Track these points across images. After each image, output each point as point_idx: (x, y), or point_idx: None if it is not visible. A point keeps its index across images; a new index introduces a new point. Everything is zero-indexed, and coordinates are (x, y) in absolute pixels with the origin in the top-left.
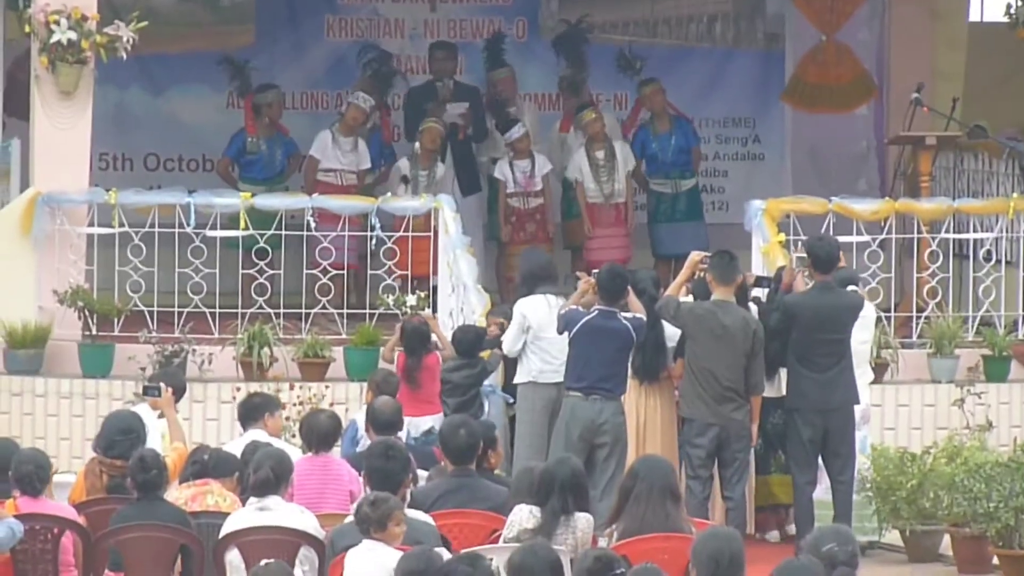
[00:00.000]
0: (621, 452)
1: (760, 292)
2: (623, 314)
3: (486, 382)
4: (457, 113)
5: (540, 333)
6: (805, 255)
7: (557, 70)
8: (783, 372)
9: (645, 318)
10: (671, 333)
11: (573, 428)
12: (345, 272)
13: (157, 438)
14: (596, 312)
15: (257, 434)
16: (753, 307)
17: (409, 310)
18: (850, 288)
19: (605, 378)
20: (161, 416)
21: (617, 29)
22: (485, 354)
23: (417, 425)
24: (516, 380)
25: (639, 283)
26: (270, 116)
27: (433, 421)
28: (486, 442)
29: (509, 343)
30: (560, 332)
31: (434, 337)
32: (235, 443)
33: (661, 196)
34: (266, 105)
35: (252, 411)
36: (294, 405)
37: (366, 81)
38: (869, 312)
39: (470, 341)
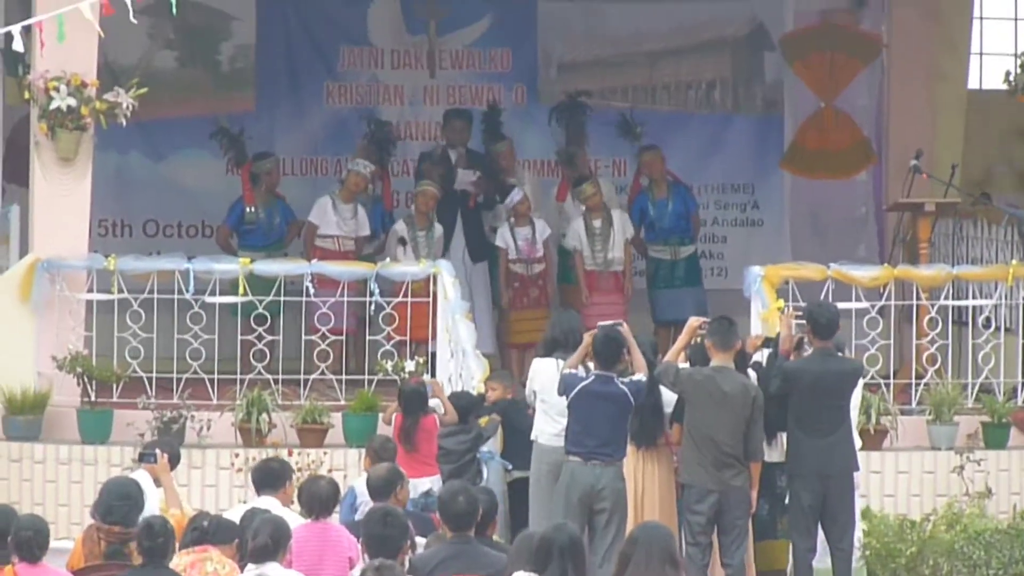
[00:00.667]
0: (621, 518)
1: (761, 356)
2: (621, 379)
3: (484, 448)
4: (468, 181)
5: (545, 395)
6: (804, 321)
7: (555, 138)
8: (782, 436)
9: (645, 378)
10: (668, 398)
11: (572, 493)
12: (344, 338)
13: (156, 504)
14: (593, 377)
15: (270, 502)
16: (752, 373)
17: (408, 376)
18: (852, 358)
19: (604, 443)
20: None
21: (616, 95)
22: (483, 420)
23: (415, 486)
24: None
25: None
26: (267, 184)
27: (431, 483)
28: (485, 508)
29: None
30: (560, 395)
31: (435, 402)
32: (237, 511)
33: (660, 262)
34: (264, 173)
35: (271, 478)
36: (293, 472)
37: (365, 147)
38: None
39: (465, 407)
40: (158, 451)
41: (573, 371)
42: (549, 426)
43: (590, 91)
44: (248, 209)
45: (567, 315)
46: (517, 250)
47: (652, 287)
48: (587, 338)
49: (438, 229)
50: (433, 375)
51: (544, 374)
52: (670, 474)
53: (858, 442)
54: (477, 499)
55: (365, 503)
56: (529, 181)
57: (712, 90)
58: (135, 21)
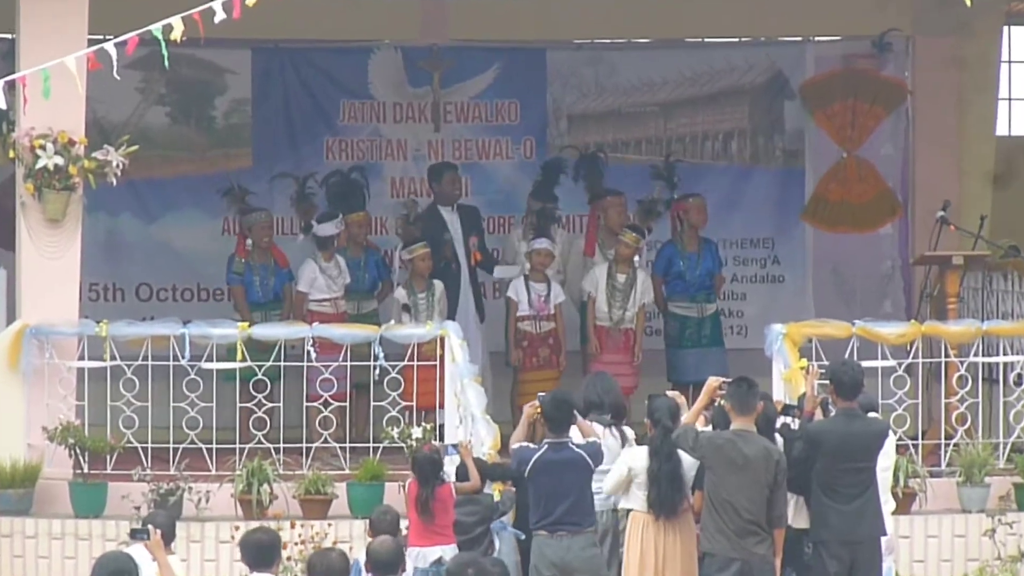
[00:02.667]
0: None
1: (789, 420)
2: (575, 442)
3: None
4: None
5: None
6: (827, 381)
7: (568, 189)
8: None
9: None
10: (689, 463)
11: (542, 569)
12: (348, 404)
13: None
14: (546, 446)
15: None
16: (779, 437)
17: (415, 443)
18: (871, 414)
19: (569, 511)
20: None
21: (629, 148)
22: (496, 488)
23: (425, 556)
24: None
25: (655, 412)
26: (255, 239)
27: (442, 551)
28: None
29: None
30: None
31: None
32: None
33: (686, 320)
34: (249, 228)
35: (265, 554)
36: (295, 544)
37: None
38: (890, 438)
39: (496, 476)
40: (150, 527)
41: (524, 444)
42: None
43: (603, 136)
44: (237, 260)
45: (601, 376)
46: (529, 304)
47: (675, 346)
48: (528, 409)
49: (438, 287)
50: (442, 440)
51: (577, 437)
52: (692, 543)
53: (892, 504)
54: (488, 571)
55: None
56: (560, 238)
57: (730, 141)
58: (118, 77)
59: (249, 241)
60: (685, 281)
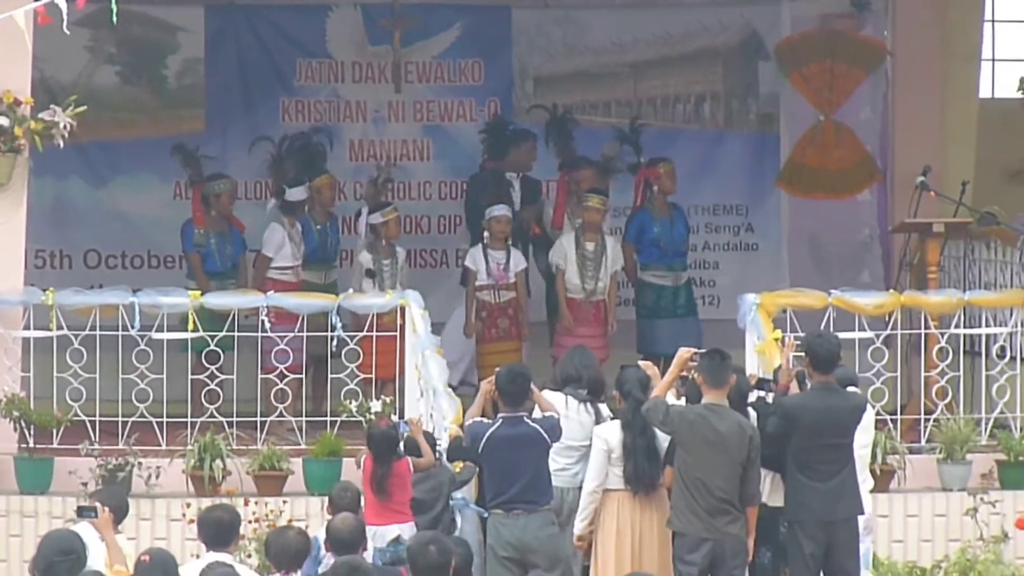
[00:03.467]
0: (565, 570)
1: (763, 394)
2: (531, 417)
3: (457, 495)
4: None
5: None
6: (803, 353)
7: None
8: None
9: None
10: (663, 436)
11: (498, 549)
12: (304, 376)
13: (101, 559)
14: (500, 421)
15: (223, 557)
16: (752, 412)
17: (374, 416)
18: (850, 389)
19: (526, 490)
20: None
21: (598, 110)
22: (457, 466)
23: (383, 535)
24: None
25: (624, 384)
26: (219, 208)
27: (400, 530)
28: (459, 561)
29: None
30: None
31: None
32: (192, 566)
33: (662, 289)
34: (215, 196)
35: (223, 533)
36: (250, 522)
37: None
38: (868, 413)
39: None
40: (98, 505)
41: (477, 419)
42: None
43: (570, 99)
44: (198, 231)
45: (581, 350)
46: (488, 273)
47: (649, 316)
48: (485, 384)
49: (401, 254)
50: (401, 416)
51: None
52: (665, 519)
53: (870, 482)
54: (450, 550)
55: (328, 555)
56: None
57: (702, 104)
58: (68, 32)
59: (213, 211)
60: (660, 248)
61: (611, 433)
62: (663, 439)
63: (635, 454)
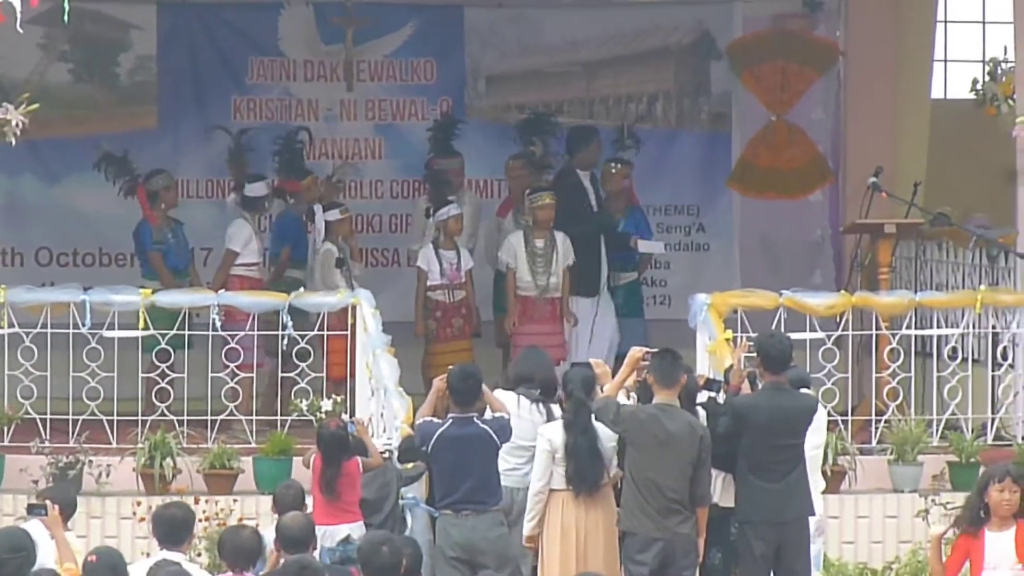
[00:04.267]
0: (514, 571)
1: (714, 394)
2: (481, 418)
3: (409, 493)
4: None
5: None
6: (754, 354)
7: (487, 153)
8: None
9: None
10: (607, 436)
11: (446, 550)
12: (254, 374)
13: (51, 557)
14: (451, 421)
15: (177, 558)
16: (701, 411)
17: (324, 416)
18: (803, 391)
19: (474, 490)
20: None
21: (551, 109)
22: (408, 467)
23: (332, 535)
24: None
25: (568, 383)
26: (166, 202)
27: (350, 529)
28: (409, 561)
29: None
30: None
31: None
32: (141, 565)
33: None
34: (162, 190)
35: (177, 530)
36: (200, 521)
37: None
38: (821, 415)
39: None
40: (48, 503)
41: (427, 419)
42: (500, 463)
43: (523, 98)
44: (155, 228)
45: (535, 351)
46: (441, 273)
47: None
48: (438, 383)
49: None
50: (352, 415)
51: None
52: (613, 521)
53: (821, 484)
54: (401, 550)
55: (272, 554)
56: (470, 200)
57: (654, 104)
58: (21, 30)
59: (162, 206)
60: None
61: (554, 433)
62: (607, 439)
63: (577, 454)
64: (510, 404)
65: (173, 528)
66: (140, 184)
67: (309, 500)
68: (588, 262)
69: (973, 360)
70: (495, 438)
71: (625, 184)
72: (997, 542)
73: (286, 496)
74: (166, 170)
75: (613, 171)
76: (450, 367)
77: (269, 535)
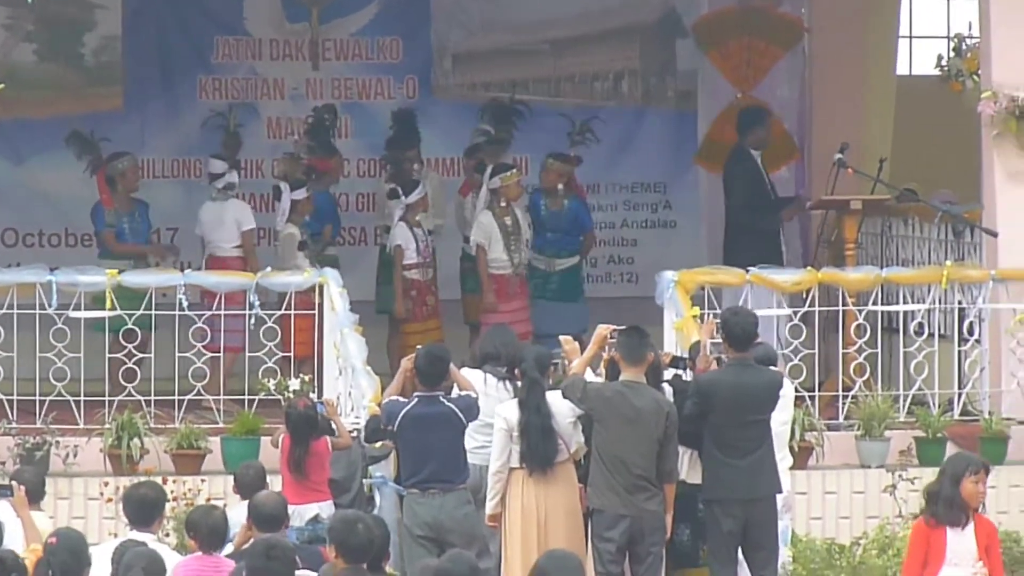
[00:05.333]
0: (481, 549)
1: (680, 371)
2: (447, 396)
3: (377, 472)
4: None
5: None
6: (720, 333)
7: (453, 132)
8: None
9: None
10: (564, 415)
11: (413, 528)
12: (222, 355)
13: (18, 538)
14: (417, 400)
15: (145, 538)
16: (667, 388)
17: (292, 395)
18: (771, 368)
19: (441, 469)
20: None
21: (517, 88)
22: (376, 446)
23: (301, 514)
24: None
25: (522, 362)
26: (124, 185)
27: (319, 508)
28: (380, 539)
29: None
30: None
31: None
32: (109, 545)
33: (535, 271)
34: (119, 175)
35: (147, 510)
36: (167, 501)
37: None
38: (788, 391)
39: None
40: (14, 484)
41: (394, 398)
42: (468, 441)
43: (489, 77)
44: (108, 212)
45: (502, 329)
46: (417, 251)
47: (533, 296)
48: (406, 362)
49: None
50: (320, 394)
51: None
52: (575, 499)
53: (789, 460)
54: (375, 528)
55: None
56: (430, 179)
57: (620, 81)
58: None
59: (119, 189)
60: (543, 235)
61: (510, 412)
62: (564, 416)
63: (529, 432)
64: (477, 382)
65: (144, 508)
66: (101, 166)
67: (274, 480)
68: (770, 247)
69: (940, 335)
70: (461, 417)
71: (561, 181)
72: (958, 538)
73: (246, 476)
74: (129, 153)
75: (550, 167)
76: (418, 347)
77: (234, 516)
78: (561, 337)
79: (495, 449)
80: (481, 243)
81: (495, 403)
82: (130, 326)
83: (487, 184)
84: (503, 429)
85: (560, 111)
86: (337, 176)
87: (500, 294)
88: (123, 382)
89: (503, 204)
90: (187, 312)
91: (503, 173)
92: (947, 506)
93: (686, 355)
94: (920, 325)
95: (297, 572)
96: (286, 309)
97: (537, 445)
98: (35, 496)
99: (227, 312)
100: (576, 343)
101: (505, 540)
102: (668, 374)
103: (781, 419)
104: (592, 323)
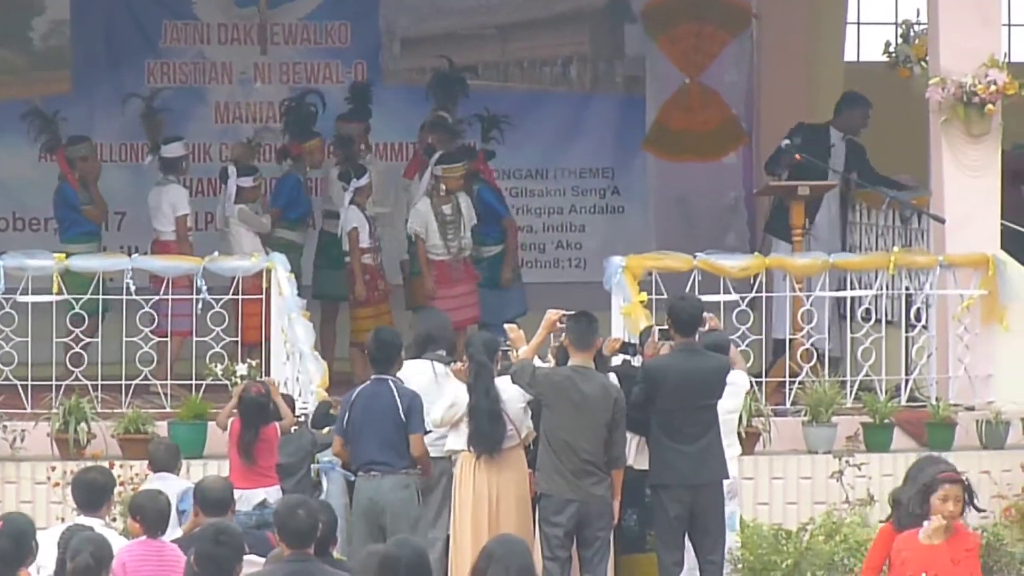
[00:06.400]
0: (419, 533)
1: (628, 357)
2: (398, 384)
3: (324, 457)
4: None
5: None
6: (667, 319)
7: (402, 116)
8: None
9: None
10: (513, 399)
11: (357, 510)
12: (169, 339)
13: None
14: (370, 381)
15: (92, 522)
16: (613, 376)
17: (240, 380)
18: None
19: (380, 450)
20: None
21: (465, 72)
22: (324, 431)
23: (248, 499)
24: None
25: (469, 347)
26: (84, 171)
27: (266, 493)
28: (325, 524)
29: None
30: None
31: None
32: (56, 530)
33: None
34: (79, 159)
35: (96, 495)
36: (115, 486)
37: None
38: (740, 380)
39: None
40: None
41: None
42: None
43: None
44: (80, 193)
45: (431, 312)
46: (370, 235)
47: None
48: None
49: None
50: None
51: (419, 378)
52: (524, 483)
53: (737, 448)
54: (318, 513)
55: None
56: (374, 164)
57: (569, 66)
58: None
59: (78, 174)
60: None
61: (461, 394)
62: (515, 401)
63: (477, 416)
64: (426, 373)
65: (92, 493)
66: (61, 148)
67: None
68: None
69: (887, 321)
70: (400, 412)
71: (459, 183)
72: (932, 551)
73: (157, 451)
74: (89, 138)
75: (445, 171)
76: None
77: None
78: (506, 325)
79: (435, 413)
80: (418, 231)
81: (450, 389)
82: (77, 311)
83: (431, 169)
84: (449, 404)
85: (474, 113)
86: (318, 160)
87: (441, 280)
88: (70, 366)
89: (443, 192)
90: (135, 296)
91: (448, 164)
92: (915, 519)
93: (635, 340)
94: (867, 311)
95: (245, 557)
96: (234, 294)
97: (484, 428)
98: None
99: (174, 297)
100: (521, 331)
101: (455, 524)
102: (617, 360)
103: (728, 407)
104: (533, 308)
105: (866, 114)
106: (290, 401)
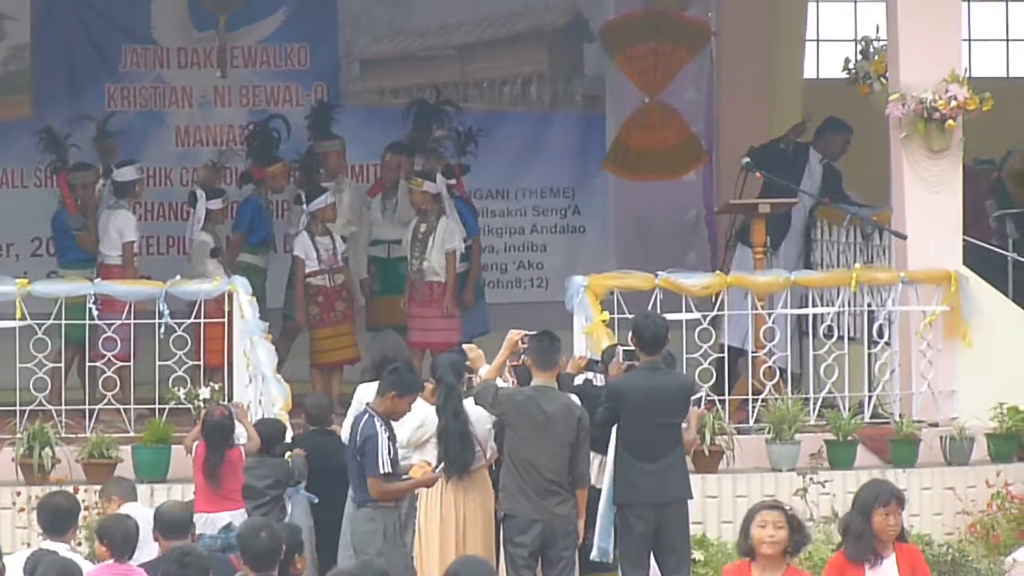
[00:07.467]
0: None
1: (591, 376)
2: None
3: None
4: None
5: None
6: (630, 342)
7: (362, 138)
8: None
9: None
10: (480, 420)
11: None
12: (132, 364)
13: None
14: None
15: (59, 547)
16: (574, 396)
17: (203, 403)
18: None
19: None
20: None
21: (425, 93)
22: (288, 455)
23: (214, 522)
24: None
25: (436, 369)
26: (83, 197)
27: (231, 517)
28: (288, 546)
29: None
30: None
31: (240, 428)
32: (21, 556)
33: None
34: (81, 185)
35: (61, 520)
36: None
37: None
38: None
39: (269, 435)
40: None
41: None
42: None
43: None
44: (72, 217)
45: (386, 334)
46: (319, 260)
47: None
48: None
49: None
50: (230, 401)
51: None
52: (490, 504)
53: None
54: (280, 536)
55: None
56: (348, 187)
57: (528, 86)
58: None
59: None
60: None
61: (430, 416)
62: (481, 422)
63: (447, 438)
64: None
65: (58, 517)
66: (64, 172)
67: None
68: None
69: (849, 338)
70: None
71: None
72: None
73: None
74: (94, 166)
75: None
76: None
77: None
78: (465, 346)
79: (403, 434)
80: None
81: (414, 415)
82: (40, 336)
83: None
84: (417, 424)
85: (448, 126)
86: (281, 185)
87: (411, 298)
88: (34, 391)
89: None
90: (97, 321)
91: (412, 180)
92: (856, 540)
93: (598, 358)
94: (829, 328)
95: None
96: (196, 317)
97: (455, 450)
98: None
99: (106, 321)
100: (480, 351)
101: (422, 544)
102: (579, 379)
103: None
104: (496, 328)
105: (847, 140)
106: (280, 427)
